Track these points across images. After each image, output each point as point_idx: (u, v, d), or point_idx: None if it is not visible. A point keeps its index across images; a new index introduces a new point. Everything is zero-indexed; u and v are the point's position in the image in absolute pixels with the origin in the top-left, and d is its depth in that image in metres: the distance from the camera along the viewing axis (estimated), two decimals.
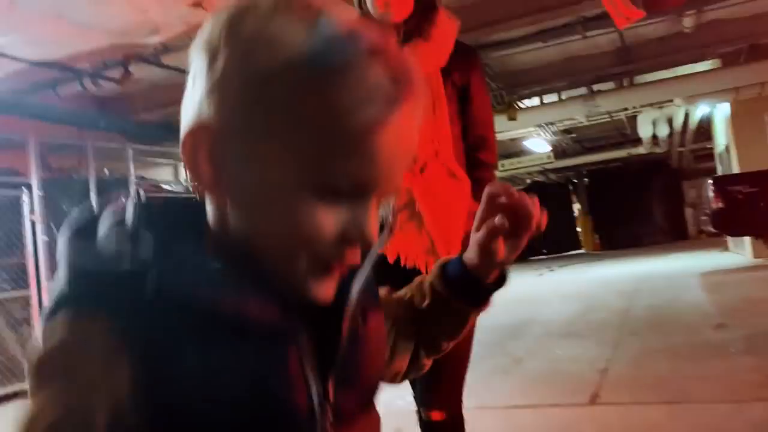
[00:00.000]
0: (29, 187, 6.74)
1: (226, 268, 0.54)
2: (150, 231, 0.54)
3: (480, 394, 4.32)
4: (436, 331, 0.79)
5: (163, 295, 0.51)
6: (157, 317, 0.51)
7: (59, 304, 0.53)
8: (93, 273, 0.53)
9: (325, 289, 0.57)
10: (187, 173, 0.56)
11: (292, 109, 0.51)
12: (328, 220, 0.53)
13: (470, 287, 0.76)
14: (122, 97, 8.27)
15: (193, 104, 0.55)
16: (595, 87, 10.17)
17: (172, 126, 9.82)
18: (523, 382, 4.51)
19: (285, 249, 0.54)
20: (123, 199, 0.59)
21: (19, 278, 6.55)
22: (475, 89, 1.88)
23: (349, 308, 0.61)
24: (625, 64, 9.23)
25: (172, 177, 9.92)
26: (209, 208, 0.57)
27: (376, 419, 0.69)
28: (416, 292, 0.80)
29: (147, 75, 7.04)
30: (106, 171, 8.27)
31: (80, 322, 0.51)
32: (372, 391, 0.68)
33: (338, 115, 0.51)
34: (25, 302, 6.57)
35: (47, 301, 0.54)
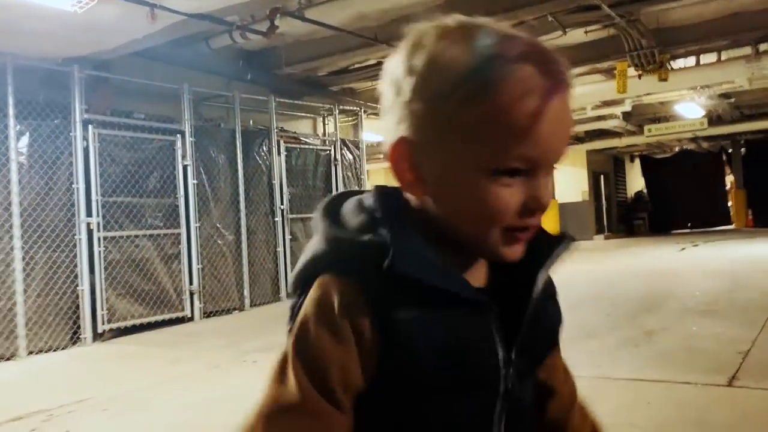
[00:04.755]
0: (182, 134, 7.29)
1: (436, 251, 0.69)
2: (384, 215, 0.70)
3: (605, 365, 4.16)
4: None
5: (394, 269, 0.66)
6: (389, 285, 0.67)
7: (318, 266, 0.70)
8: (345, 243, 0.70)
9: (515, 252, 0.70)
10: (395, 177, 0.71)
11: (467, 116, 0.64)
12: (510, 195, 0.66)
13: None
14: (268, 52, 8.61)
15: (390, 128, 0.70)
16: (762, 47, 9.21)
17: (314, 81, 10.14)
18: (653, 357, 4.30)
19: (480, 225, 0.68)
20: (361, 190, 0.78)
21: (172, 217, 7.14)
22: None
23: (535, 292, 0.74)
24: None
25: (311, 130, 10.26)
26: (413, 200, 0.73)
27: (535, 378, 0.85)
28: None
29: (291, 30, 7.25)
30: (251, 122, 8.72)
31: (337, 282, 0.68)
32: (540, 360, 0.82)
33: (503, 113, 0.63)
34: (176, 239, 7.17)
35: (302, 259, 0.72)
